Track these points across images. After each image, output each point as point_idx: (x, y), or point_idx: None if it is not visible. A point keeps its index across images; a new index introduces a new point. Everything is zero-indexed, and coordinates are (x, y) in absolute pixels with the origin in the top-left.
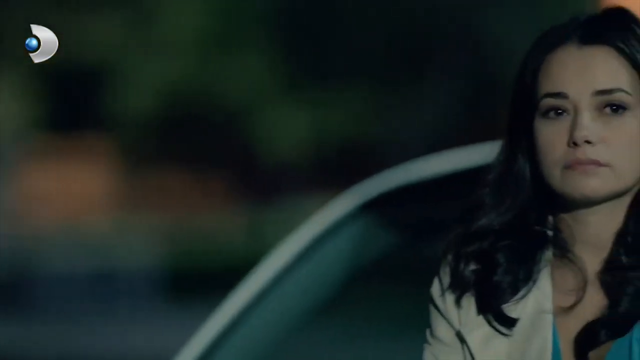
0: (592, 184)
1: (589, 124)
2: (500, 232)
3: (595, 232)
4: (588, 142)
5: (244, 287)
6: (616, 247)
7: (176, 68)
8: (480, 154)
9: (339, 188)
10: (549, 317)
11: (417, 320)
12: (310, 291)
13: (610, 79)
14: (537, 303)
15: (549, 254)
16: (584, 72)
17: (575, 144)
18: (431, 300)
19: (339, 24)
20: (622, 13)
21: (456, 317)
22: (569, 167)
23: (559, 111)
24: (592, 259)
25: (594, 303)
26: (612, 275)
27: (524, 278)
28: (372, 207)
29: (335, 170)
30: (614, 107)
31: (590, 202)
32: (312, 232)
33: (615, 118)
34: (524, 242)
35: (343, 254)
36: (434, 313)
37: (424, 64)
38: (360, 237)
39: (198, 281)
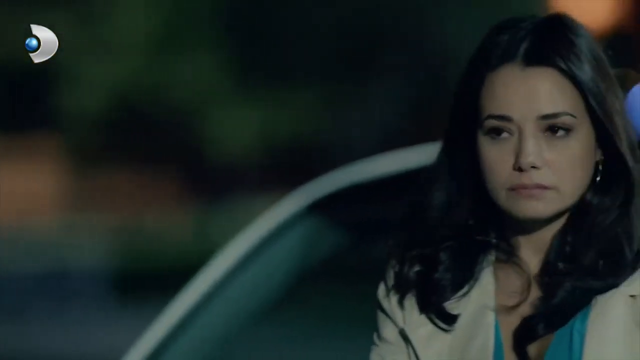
0: (537, 207)
1: (534, 149)
2: (443, 236)
3: (539, 237)
4: (533, 167)
5: (192, 287)
6: (555, 254)
7: (125, 67)
8: (427, 154)
9: (288, 188)
10: (491, 315)
11: (365, 320)
12: (258, 291)
13: (554, 103)
14: (480, 301)
15: (491, 256)
16: (529, 96)
17: (520, 169)
18: (377, 303)
19: (288, 24)
20: (563, 23)
21: (400, 317)
22: (514, 189)
23: (503, 132)
24: (534, 261)
25: (536, 301)
26: (549, 277)
27: (466, 276)
28: (320, 207)
29: (285, 170)
30: (560, 130)
31: (535, 220)
32: (260, 232)
33: (560, 141)
34: (467, 245)
35: (291, 254)
36: (380, 315)
37: (374, 65)
38: (308, 237)
39: (147, 281)
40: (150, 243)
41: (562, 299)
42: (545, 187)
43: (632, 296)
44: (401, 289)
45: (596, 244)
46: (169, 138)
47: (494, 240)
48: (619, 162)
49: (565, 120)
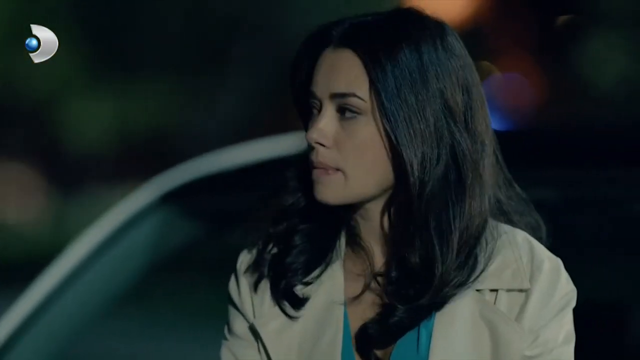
0: (324, 191)
1: (322, 126)
2: (304, 214)
3: (375, 225)
4: (321, 144)
5: (45, 278)
6: (389, 255)
7: None
8: (282, 145)
9: (143, 179)
10: (340, 308)
11: (218, 312)
12: (111, 282)
13: (346, 84)
14: (329, 293)
15: (343, 240)
16: (328, 74)
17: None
18: (228, 297)
19: (143, 15)
20: (399, 16)
21: (250, 310)
22: (312, 169)
23: (314, 109)
24: (378, 250)
25: (383, 291)
26: (389, 277)
27: (318, 259)
28: (173, 198)
29: (140, 161)
30: (347, 112)
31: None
32: (113, 223)
33: (349, 123)
34: (322, 226)
35: (144, 244)
36: (230, 309)
37: (228, 56)
38: (161, 228)
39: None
40: (4, 233)
41: (401, 317)
42: (329, 168)
43: (478, 290)
44: (254, 286)
45: (411, 242)
46: (23, 129)
47: (344, 219)
48: (398, 161)
49: (354, 102)
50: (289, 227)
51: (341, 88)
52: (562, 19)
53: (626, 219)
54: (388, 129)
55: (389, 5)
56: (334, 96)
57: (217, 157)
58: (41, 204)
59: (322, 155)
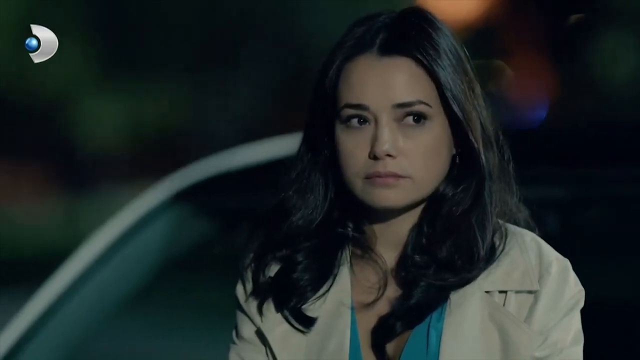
0: (392, 196)
1: (389, 137)
2: (301, 235)
3: (395, 231)
4: (389, 155)
5: (58, 276)
6: (412, 246)
7: None
8: (293, 144)
9: (155, 178)
10: (348, 312)
11: (231, 311)
12: (124, 281)
13: (409, 92)
14: (337, 299)
15: (349, 251)
16: (384, 85)
17: (376, 157)
18: (235, 301)
19: (153, 14)
20: (420, 17)
21: (258, 315)
22: (369, 178)
23: (360, 120)
24: (392, 256)
25: (393, 298)
26: (406, 271)
27: (323, 275)
28: (186, 196)
29: (152, 160)
30: (415, 119)
31: (391, 211)
32: (126, 221)
33: (416, 129)
34: (325, 242)
35: (156, 243)
36: (238, 314)
37: (239, 55)
38: (174, 227)
39: (12, 271)
40: (18, 232)
41: (418, 298)
42: (400, 176)
43: (487, 292)
44: (260, 289)
45: (450, 235)
46: (36, 128)
47: (350, 234)
48: (471, 155)
49: (420, 108)
50: (292, 244)
51: (406, 97)
52: (573, 17)
53: (637, 218)
54: (466, 130)
55: (398, 6)
56: (398, 106)
57: (229, 156)
58: (53, 203)
59: (391, 166)
